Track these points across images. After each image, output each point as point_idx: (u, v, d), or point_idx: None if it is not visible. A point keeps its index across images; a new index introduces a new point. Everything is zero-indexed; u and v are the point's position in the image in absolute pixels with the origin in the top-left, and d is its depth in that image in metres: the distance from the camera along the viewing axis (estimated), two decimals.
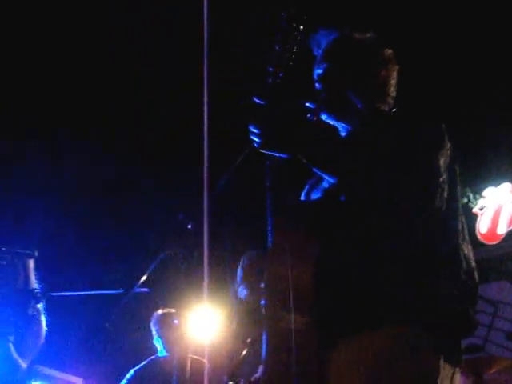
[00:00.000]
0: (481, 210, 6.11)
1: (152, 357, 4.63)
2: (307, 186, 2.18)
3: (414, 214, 1.83)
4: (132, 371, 4.52)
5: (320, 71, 2.13)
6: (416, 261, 1.82)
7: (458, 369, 1.85)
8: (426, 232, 1.84)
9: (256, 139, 1.93)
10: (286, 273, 1.81)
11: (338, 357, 1.82)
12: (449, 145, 1.96)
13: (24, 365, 3.44)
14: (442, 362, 1.80)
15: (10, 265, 3.64)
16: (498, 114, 5.31)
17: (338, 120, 2.14)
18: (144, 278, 3.45)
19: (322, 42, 2.17)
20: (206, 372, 4.08)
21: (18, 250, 3.75)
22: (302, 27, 1.97)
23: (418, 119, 2.00)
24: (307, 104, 2.06)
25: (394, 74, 2.16)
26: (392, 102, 2.15)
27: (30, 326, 3.51)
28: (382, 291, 1.78)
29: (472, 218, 5.99)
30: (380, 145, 1.87)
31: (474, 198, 6.01)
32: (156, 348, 4.64)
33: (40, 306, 3.52)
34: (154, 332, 4.60)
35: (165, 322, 4.55)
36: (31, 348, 3.53)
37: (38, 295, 3.50)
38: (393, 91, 2.15)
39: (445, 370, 1.80)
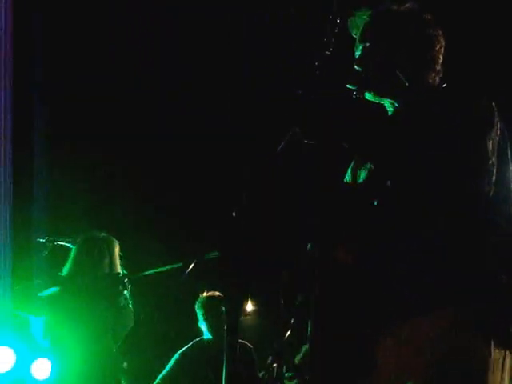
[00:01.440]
0: None
1: (197, 339, 4.69)
2: (353, 165, 2.14)
3: (460, 201, 1.78)
4: (177, 354, 4.61)
5: (359, 52, 2.07)
6: (465, 248, 1.80)
7: (508, 352, 1.82)
8: (474, 218, 1.81)
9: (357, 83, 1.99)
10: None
11: (395, 347, 1.82)
12: (499, 124, 1.89)
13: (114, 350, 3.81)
14: (492, 347, 1.78)
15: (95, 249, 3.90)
16: None
17: (382, 97, 2.07)
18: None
19: (359, 23, 2.11)
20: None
21: (104, 234, 4.04)
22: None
23: (467, 95, 1.93)
24: (348, 85, 2.01)
25: (439, 40, 2.07)
26: (440, 69, 2.07)
27: (121, 317, 3.82)
28: (434, 280, 1.78)
29: None
30: (426, 128, 1.83)
31: None
32: (201, 330, 4.69)
33: (127, 293, 3.80)
34: (198, 315, 4.65)
35: (209, 305, 4.60)
36: (121, 335, 3.88)
37: (125, 282, 3.75)
38: (439, 57, 2.06)
39: (495, 354, 1.78)
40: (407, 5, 2.09)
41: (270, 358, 5.01)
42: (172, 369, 4.57)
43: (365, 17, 2.09)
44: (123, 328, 3.89)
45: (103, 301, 3.77)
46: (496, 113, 1.89)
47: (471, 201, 1.81)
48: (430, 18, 2.08)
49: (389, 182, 1.87)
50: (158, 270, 3.87)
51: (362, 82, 2.04)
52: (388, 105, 2.08)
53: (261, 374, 4.67)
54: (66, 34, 5.70)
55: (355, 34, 2.11)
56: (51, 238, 4.35)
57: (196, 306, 4.67)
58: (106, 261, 3.95)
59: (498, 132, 1.88)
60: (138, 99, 5.91)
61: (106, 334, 3.83)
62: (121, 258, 4.01)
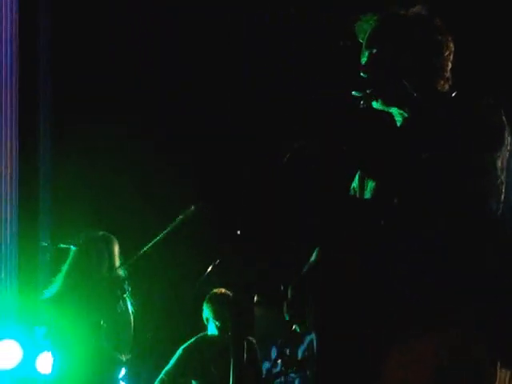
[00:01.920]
0: None
1: (201, 334, 4.72)
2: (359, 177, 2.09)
3: (468, 220, 1.75)
4: (181, 349, 4.62)
5: (365, 58, 2.02)
6: (467, 249, 1.77)
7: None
8: (477, 219, 1.78)
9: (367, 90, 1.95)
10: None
11: (396, 358, 1.79)
12: (509, 138, 1.84)
13: (123, 358, 3.79)
14: (498, 366, 1.75)
15: (93, 249, 3.85)
16: None
17: (389, 106, 2.02)
18: None
19: (366, 28, 2.05)
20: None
21: (103, 233, 3.99)
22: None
23: (478, 107, 1.86)
24: (354, 93, 1.96)
25: (448, 45, 1.99)
26: (450, 76, 2.01)
27: (121, 320, 3.79)
28: (435, 280, 1.76)
29: None
30: (434, 140, 1.79)
31: None
32: (206, 325, 4.72)
33: (126, 295, 3.78)
34: (206, 311, 4.65)
35: (220, 302, 4.60)
36: (126, 340, 3.85)
37: (124, 286, 3.71)
38: (448, 64, 2.00)
39: (501, 373, 1.76)
40: (415, 9, 2.03)
41: (275, 352, 5.03)
42: (176, 364, 4.58)
43: (371, 22, 2.04)
44: (124, 332, 3.86)
45: (100, 305, 3.73)
46: (507, 127, 1.84)
47: (477, 215, 1.78)
48: (438, 22, 2.02)
49: (396, 196, 1.84)
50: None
51: (369, 89, 1.98)
52: (396, 114, 2.04)
53: (265, 368, 4.69)
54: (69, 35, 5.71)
55: (362, 39, 2.07)
56: (54, 242, 4.39)
57: (205, 302, 4.67)
58: (105, 261, 3.90)
59: (509, 147, 1.84)
60: (141, 99, 5.90)
61: (97, 337, 3.78)
62: (121, 257, 3.96)
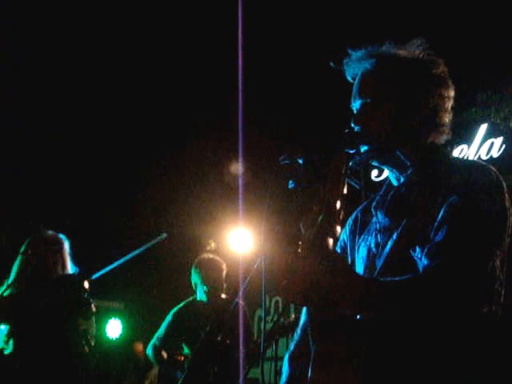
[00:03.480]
0: None
1: (189, 298, 4.71)
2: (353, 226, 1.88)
3: (463, 324, 1.57)
4: (170, 314, 4.63)
5: (358, 107, 1.77)
6: (461, 369, 1.57)
7: None
8: (474, 340, 1.59)
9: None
10: None
11: None
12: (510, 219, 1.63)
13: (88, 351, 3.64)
14: None
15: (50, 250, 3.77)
16: None
17: (383, 165, 1.80)
18: None
19: (356, 68, 1.79)
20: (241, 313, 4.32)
21: (51, 233, 3.86)
22: None
23: (480, 190, 1.62)
24: (349, 150, 1.69)
25: (451, 96, 1.78)
26: (447, 129, 1.78)
27: (78, 315, 3.67)
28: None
29: None
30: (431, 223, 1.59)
31: None
32: (194, 289, 4.73)
33: (83, 292, 3.63)
34: (195, 276, 4.66)
35: (208, 266, 4.63)
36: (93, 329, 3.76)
37: (79, 283, 3.60)
38: (448, 117, 1.78)
39: None
40: (415, 50, 1.77)
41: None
42: (166, 329, 4.62)
43: (365, 62, 1.76)
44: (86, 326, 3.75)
45: (52, 304, 3.63)
46: (509, 212, 1.63)
47: (474, 325, 1.59)
48: (442, 69, 1.77)
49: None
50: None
51: (360, 144, 1.72)
52: (390, 174, 1.82)
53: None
54: None
55: (351, 78, 1.81)
56: None
57: (194, 267, 4.68)
58: (57, 261, 3.82)
59: (510, 230, 1.64)
60: None
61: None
62: (71, 256, 3.90)
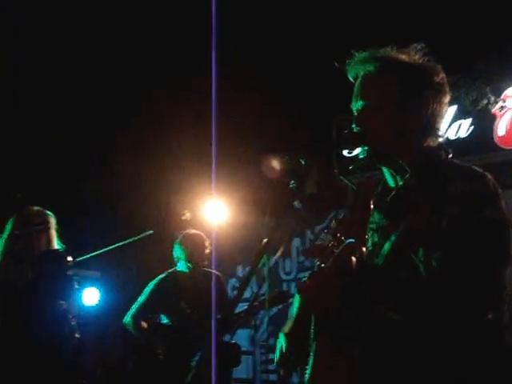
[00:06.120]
0: (500, 111, 5.82)
1: (170, 270, 4.80)
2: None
3: (467, 329, 1.64)
4: (151, 284, 4.72)
5: (359, 108, 1.85)
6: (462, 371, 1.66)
7: None
8: (477, 346, 1.67)
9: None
10: None
11: None
12: None
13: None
14: None
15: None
16: None
17: (381, 166, 1.88)
18: None
19: (359, 70, 1.86)
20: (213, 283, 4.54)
21: (37, 209, 3.82)
22: None
23: (480, 198, 1.68)
24: (346, 151, 1.84)
25: (446, 103, 1.86)
26: (440, 133, 1.88)
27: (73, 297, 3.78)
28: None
29: (490, 119, 5.73)
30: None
31: (496, 100, 5.71)
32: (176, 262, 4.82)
33: (68, 268, 3.68)
34: (178, 248, 4.75)
35: (192, 240, 4.74)
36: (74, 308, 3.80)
37: (65, 258, 3.65)
38: (442, 122, 1.86)
39: None
40: (416, 55, 1.84)
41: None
42: (146, 298, 4.67)
43: (367, 64, 1.84)
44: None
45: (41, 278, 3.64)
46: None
47: (477, 325, 1.66)
48: (441, 76, 1.84)
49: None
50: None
51: (361, 147, 1.82)
52: (387, 173, 1.89)
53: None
54: None
55: (353, 79, 1.87)
56: None
57: (179, 243, 4.75)
58: (43, 236, 3.77)
59: None
60: None
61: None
62: (57, 231, 3.86)
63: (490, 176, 1.74)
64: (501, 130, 5.81)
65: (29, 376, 3.51)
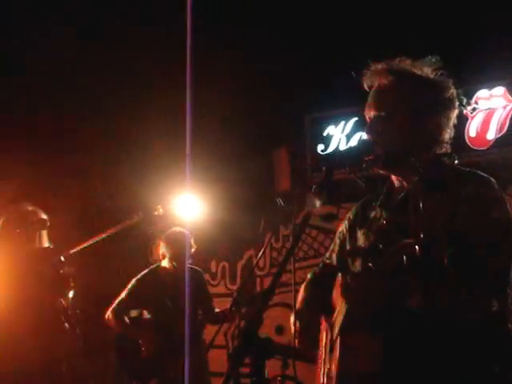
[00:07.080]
0: (472, 112, 5.94)
1: (153, 266, 4.83)
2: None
3: (473, 321, 1.75)
4: (134, 280, 4.71)
5: (372, 117, 1.95)
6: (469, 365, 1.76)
7: None
8: (484, 332, 1.78)
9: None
10: None
11: None
12: None
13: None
14: None
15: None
16: (500, 14, 5.11)
17: (390, 172, 1.99)
18: None
19: (374, 80, 1.97)
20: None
21: (30, 208, 3.85)
22: None
23: (486, 200, 1.79)
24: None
25: (454, 117, 1.98)
26: (447, 144, 1.98)
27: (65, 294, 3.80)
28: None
29: (462, 120, 5.82)
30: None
31: (468, 102, 5.81)
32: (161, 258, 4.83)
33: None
34: (165, 248, 4.76)
35: (176, 237, 4.76)
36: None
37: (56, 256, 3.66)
38: (449, 134, 1.99)
39: None
40: (429, 69, 1.93)
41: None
42: (129, 294, 4.65)
43: (384, 77, 1.93)
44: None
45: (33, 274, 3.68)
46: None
47: (484, 323, 1.77)
48: (452, 91, 1.94)
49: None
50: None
51: (372, 155, 1.92)
52: (396, 181, 1.99)
53: None
54: None
55: (368, 87, 1.97)
56: None
57: (165, 241, 4.76)
58: (34, 239, 3.83)
59: None
60: None
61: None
62: (48, 229, 3.92)
63: (494, 180, 1.85)
64: (472, 131, 5.94)
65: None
